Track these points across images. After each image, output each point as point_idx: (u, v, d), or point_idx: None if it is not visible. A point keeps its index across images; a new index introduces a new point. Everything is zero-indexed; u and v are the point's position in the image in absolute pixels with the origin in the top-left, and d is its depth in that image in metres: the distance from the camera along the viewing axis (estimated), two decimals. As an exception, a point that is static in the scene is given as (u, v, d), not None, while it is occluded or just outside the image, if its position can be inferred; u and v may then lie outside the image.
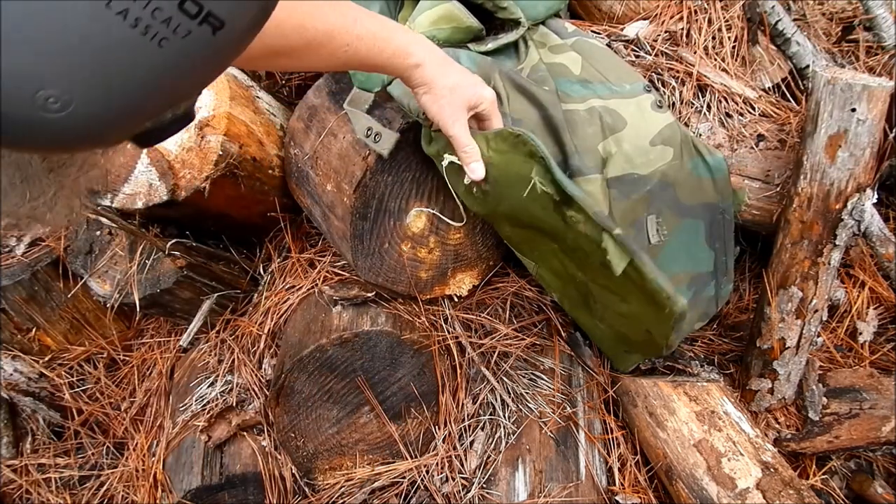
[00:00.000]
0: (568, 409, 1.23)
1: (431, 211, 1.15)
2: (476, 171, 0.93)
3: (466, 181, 0.96)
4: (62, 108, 0.29)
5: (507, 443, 1.20)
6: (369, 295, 1.21)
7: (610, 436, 1.23)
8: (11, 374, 1.38)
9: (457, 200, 1.09)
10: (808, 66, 1.37)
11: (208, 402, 1.28)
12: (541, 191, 0.92)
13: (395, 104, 1.07)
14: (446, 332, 1.24)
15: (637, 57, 1.30)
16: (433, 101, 0.88)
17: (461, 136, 0.91)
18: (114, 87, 0.30)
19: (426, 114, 0.92)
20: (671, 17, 1.35)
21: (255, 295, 1.42)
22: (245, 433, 1.26)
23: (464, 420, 1.23)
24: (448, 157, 0.96)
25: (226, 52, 0.35)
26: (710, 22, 1.34)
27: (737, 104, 1.25)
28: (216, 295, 1.37)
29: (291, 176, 1.29)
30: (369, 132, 1.02)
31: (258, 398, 1.28)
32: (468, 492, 1.16)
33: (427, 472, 1.21)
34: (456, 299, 1.28)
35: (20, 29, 0.27)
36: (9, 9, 0.26)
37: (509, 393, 1.24)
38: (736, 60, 1.35)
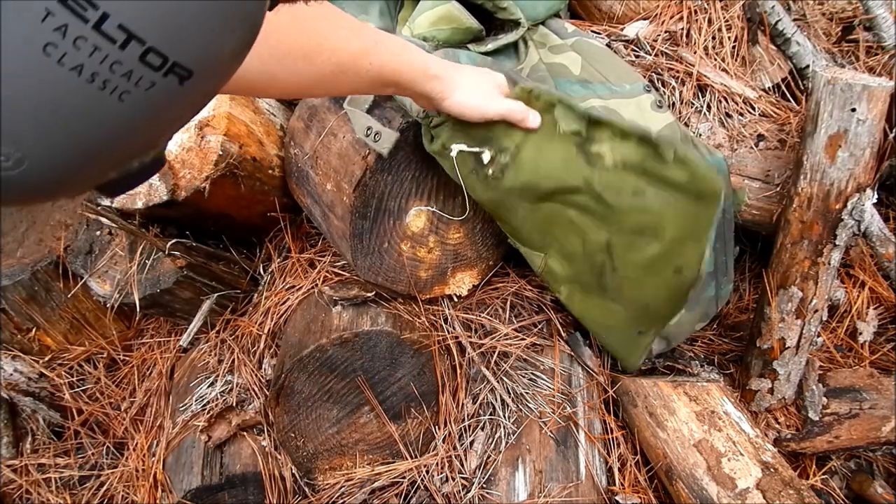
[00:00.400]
0: (568, 409, 1.23)
1: (431, 209, 1.15)
2: (535, 120, 0.95)
3: (486, 158, 0.95)
4: (14, 167, 0.28)
5: (507, 443, 1.20)
6: (369, 295, 1.21)
7: (610, 436, 1.23)
8: (11, 374, 1.38)
9: (463, 191, 1.06)
10: (808, 66, 1.37)
11: (208, 402, 1.28)
12: (566, 132, 0.94)
13: (395, 104, 1.07)
14: (446, 332, 1.24)
15: (637, 57, 1.30)
16: (463, 102, 0.90)
17: (511, 107, 0.92)
18: (69, 143, 0.29)
19: (462, 118, 0.92)
20: (671, 17, 1.35)
21: (255, 295, 1.42)
22: (245, 433, 1.26)
23: (464, 420, 1.23)
24: (456, 147, 0.95)
25: (196, 99, 0.33)
26: (710, 22, 1.34)
27: (737, 104, 1.25)
28: (216, 295, 1.37)
29: (291, 175, 1.29)
30: (369, 131, 1.02)
31: (258, 398, 1.28)
32: (468, 492, 1.16)
33: (427, 472, 1.21)
34: (456, 299, 1.28)
35: None
36: None
37: (509, 393, 1.24)
38: (736, 60, 1.35)
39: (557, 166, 0.97)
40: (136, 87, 0.28)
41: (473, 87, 0.90)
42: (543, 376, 1.26)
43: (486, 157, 0.95)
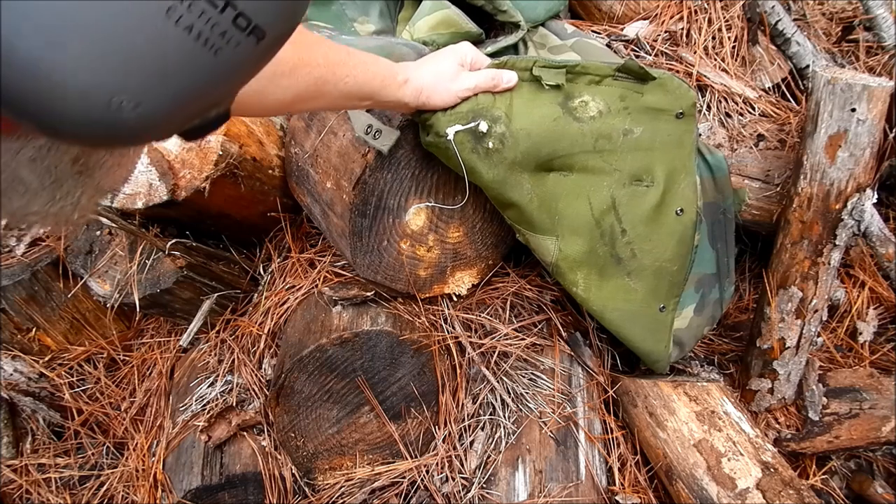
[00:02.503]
0: (568, 409, 1.23)
1: (430, 203, 1.14)
2: (512, 78, 0.99)
3: (483, 128, 0.97)
4: (133, 108, 0.34)
5: (507, 443, 1.20)
6: (369, 295, 1.21)
7: (610, 436, 1.23)
8: (11, 374, 1.38)
9: (464, 178, 1.05)
10: (808, 66, 1.37)
11: (208, 402, 1.28)
12: (549, 86, 1.00)
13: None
14: (446, 332, 1.24)
15: (637, 57, 1.30)
16: (432, 91, 0.94)
17: (481, 78, 0.96)
18: (175, 90, 0.36)
19: (439, 110, 0.96)
20: (671, 17, 1.36)
21: (255, 295, 1.42)
22: (245, 433, 1.26)
23: (464, 420, 1.23)
24: (451, 130, 0.96)
25: (263, 58, 0.40)
26: (710, 22, 1.34)
27: (737, 104, 1.26)
28: (216, 295, 1.37)
29: (292, 175, 1.30)
30: (369, 129, 1.02)
31: (258, 398, 1.28)
32: (468, 492, 1.16)
33: (427, 472, 1.21)
34: (455, 299, 1.28)
35: (101, 46, 0.32)
36: (90, 29, 0.32)
37: (509, 393, 1.24)
38: (736, 60, 1.35)
39: (549, 127, 1.01)
40: (227, 45, 0.35)
41: (439, 76, 0.94)
42: (543, 376, 1.26)
43: (483, 126, 0.97)
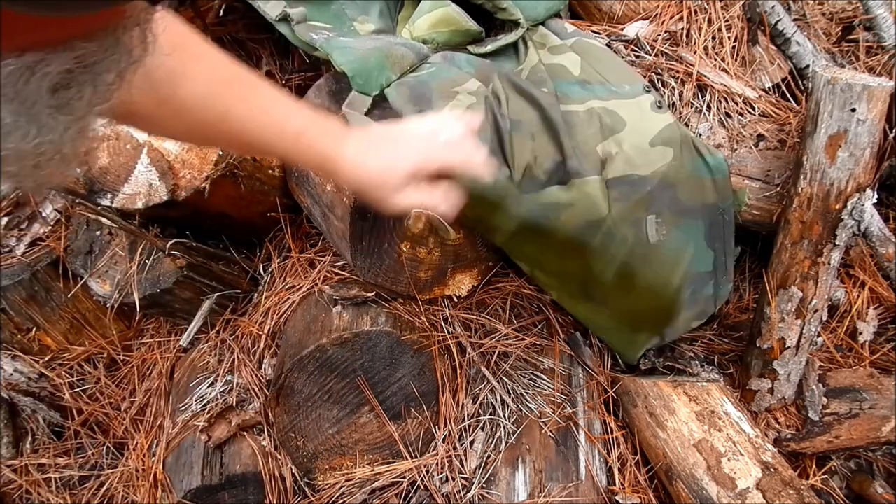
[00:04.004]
0: (568, 409, 1.23)
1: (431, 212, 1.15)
2: (488, 169, 0.84)
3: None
4: None
5: (507, 443, 1.20)
6: (369, 295, 1.21)
7: (610, 436, 1.23)
8: (11, 374, 1.38)
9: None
10: (808, 66, 1.37)
11: (208, 402, 1.28)
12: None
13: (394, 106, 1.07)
14: (446, 332, 1.24)
15: (637, 57, 1.30)
16: (368, 193, 0.79)
17: (426, 198, 0.79)
18: None
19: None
20: (671, 17, 1.35)
21: (255, 295, 1.42)
22: (245, 433, 1.26)
23: (464, 420, 1.23)
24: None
25: None
26: (710, 22, 1.34)
27: (737, 104, 1.25)
28: (216, 295, 1.37)
29: (292, 175, 1.30)
30: (369, 132, 1.02)
31: (258, 398, 1.28)
32: (468, 492, 1.16)
33: (427, 472, 1.21)
34: (455, 299, 1.28)
35: None
36: None
37: (509, 393, 1.24)
38: (736, 60, 1.35)
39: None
40: None
41: (384, 176, 0.78)
42: (543, 376, 1.26)
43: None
